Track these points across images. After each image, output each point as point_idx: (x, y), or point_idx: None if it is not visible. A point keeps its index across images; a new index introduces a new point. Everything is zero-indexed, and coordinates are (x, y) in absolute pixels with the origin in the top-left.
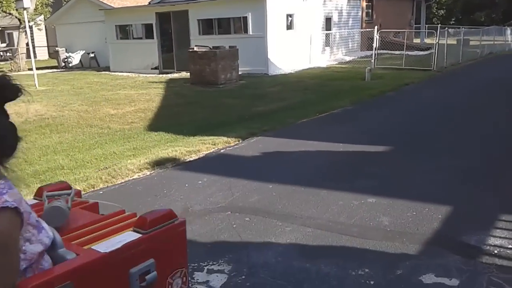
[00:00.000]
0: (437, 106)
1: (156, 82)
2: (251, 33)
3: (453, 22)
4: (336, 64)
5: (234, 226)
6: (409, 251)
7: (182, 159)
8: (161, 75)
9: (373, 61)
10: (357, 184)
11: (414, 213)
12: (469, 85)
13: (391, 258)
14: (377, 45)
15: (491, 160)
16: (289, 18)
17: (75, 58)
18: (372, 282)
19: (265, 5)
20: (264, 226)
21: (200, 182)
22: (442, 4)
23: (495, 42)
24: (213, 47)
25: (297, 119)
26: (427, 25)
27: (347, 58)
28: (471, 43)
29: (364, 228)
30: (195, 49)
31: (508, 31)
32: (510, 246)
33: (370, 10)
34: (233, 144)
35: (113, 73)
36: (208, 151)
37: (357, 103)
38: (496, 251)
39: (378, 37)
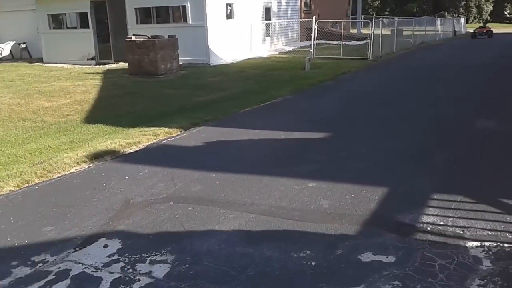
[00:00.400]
0: (372, 93)
1: (92, 73)
2: (190, 22)
3: (388, 12)
4: (277, 54)
5: (177, 216)
6: (348, 232)
7: (122, 151)
8: (98, 66)
9: (312, 51)
10: (298, 170)
11: (353, 195)
12: (403, 72)
13: (331, 239)
14: (316, 35)
15: (422, 141)
16: (229, 8)
17: (5, 50)
18: (313, 263)
19: None
20: (207, 214)
21: (141, 173)
22: None
23: (427, 32)
24: (151, 36)
25: (239, 108)
26: (363, 16)
27: (287, 48)
28: (405, 33)
29: (305, 211)
30: (132, 39)
31: (438, 22)
32: (441, 223)
33: (308, 1)
34: (175, 135)
35: (46, 65)
36: (149, 142)
37: (297, 92)
38: (428, 228)
39: (316, 27)
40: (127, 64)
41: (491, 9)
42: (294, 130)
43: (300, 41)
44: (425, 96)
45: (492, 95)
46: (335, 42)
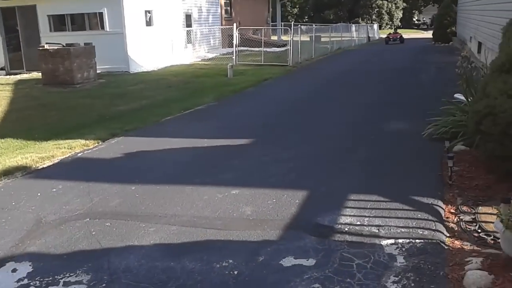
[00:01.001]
0: (292, 99)
1: (2, 84)
2: (108, 30)
3: (306, 19)
4: (199, 61)
5: (94, 233)
6: (270, 237)
7: (34, 166)
8: (8, 76)
9: (234, 57)
10: (221, 178)
11: (274, 200)
12: (321, 78)
13: (253, 246)
14: (237, 42)
15: (340, 144)
16: (148, 14)
17: None
18: (235, 272)
19: (121, 1)
20: (126, 229)
21: (54, 190)
22: (295, 3)
23: (343, 38)
24: (66, 44)
25: (161, 117)
26: (282, 23)
27: (210, 55)
28: (322, 39)
29: (228, 219)
30: (46, 47)
31: (353, 28)
32: (358, 223)
33: (228, 8)
34: (92, 147)
35: None
36: (64, 156)
37: (220, 99)
38: (346, 229)
39: (237, 35)
40: (40, 74)
41: (401, 16)
42: (218, 137)
43: (222, 48)
44: (342, 100)
45: (404, 98)
46: (256, 49)
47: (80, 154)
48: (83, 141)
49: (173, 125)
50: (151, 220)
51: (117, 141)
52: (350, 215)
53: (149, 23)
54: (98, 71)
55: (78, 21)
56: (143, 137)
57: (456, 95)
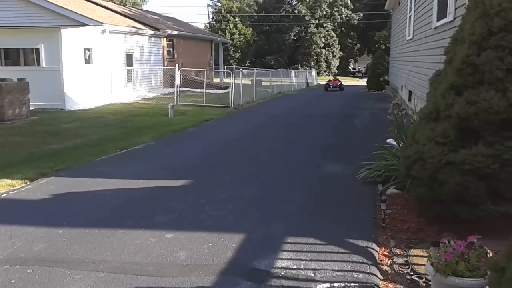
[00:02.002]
0: (233, 140)
1: None
2: (44, 66)
3: (248, 64)
4: (139, 100)
5: (13, 281)
6: (204, 284)
7: None
8: None
9: (176, 98)
10: (155, 221)
11: (210, 244)
12: (261, 120)
13: None
14: (179, 83)
15: (278, 186)
16: (88, 52)
17: None
18: None
19: (59, 38)
20: (49, 277)
21: None
22: (237, 47)
23: (283, 83)
24: None
25: (96, 156)
26: (225, 66)
27: (151, 95)
28: (263, 83)
29: (161, 265)
30: None
31: (293, 73)
32: (294, 267)
33: (171, 49)
34: (18, 187)
35: None
36: None
37: (159, 139)
38: (283, 273)
39: (179, 75)
40: None
41: (338, 64)
42: (154, 178)
43: (164, 88)
44: (281, 142)
45: (340, 141)
46: (198, 90)
47: (4, 195)
48: (9, 181)
49: (107, 165)
50: (78, 267)
51: (46, 181)
52: (286, 259)
53: (88, 60)
54: (32, 108)
55: (12, 56)
56: (75, 178)
57: (388, 140)
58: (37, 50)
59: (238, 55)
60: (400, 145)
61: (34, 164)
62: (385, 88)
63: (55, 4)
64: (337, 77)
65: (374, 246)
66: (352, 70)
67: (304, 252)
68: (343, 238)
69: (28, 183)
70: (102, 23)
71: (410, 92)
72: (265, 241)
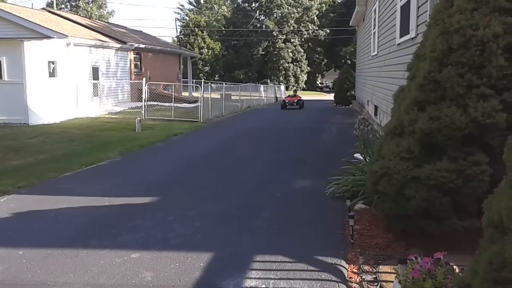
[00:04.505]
0: (201, 154)
1: None
2: (6, 79)
3: (217, 78)
4: (106, 114)
5: None
6: None
7: None
8: None
9: (143, 112)
10: (121, 240)
11: (177, 264)
12: (231, 135)
13: None
14: (147, 97)
15: (247, 203)
16: (52, 65)
17: None
18: None
19: (22, 50)
20: None
21: None
22: (206, 61)
23: (252, 97)
24: None
25: (60, 173)
26: (194, 80)
27: (117, 109)
28: (232, 97)
29: (126, 287)
30: None
31: (262, 88)
32: (263, 286)
33: (138, 63)
34: None
35: None
36: None
37: (126, 154)
38: None
39: (147, 89)
40: None
41: (306, 79)
42: (120, 196)
43: (131, 102)
44: (249, 157)
45: (308, 156)
46: (167, 104)
47: None
48: None
49: (72, 182)
50: None
51: (7, 199)
52: (255, 278)
53: (52, 74)
54: None
55: None
56: (37, 195)
57: (355, 155)
58: None
59: (207, 69)
60: (367, 160)
61: None
62: (352, 103)
63: (18, 16)
64: (297, 93)
65: (343, 263)
66: (319, 85)
67: (273, 270)
68: (312, 256)
69: None
70: (67, 35)
71: (376, 107)
72: (233, 260)
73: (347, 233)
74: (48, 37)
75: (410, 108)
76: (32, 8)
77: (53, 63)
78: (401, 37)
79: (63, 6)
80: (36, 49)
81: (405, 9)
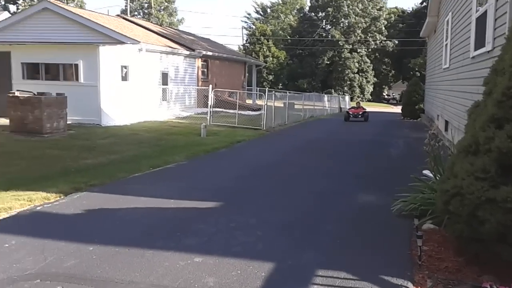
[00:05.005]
0: (263, 163)
1: None
2: (82, 81)
3: (281, 86)
4: (174, 118)
5: None
6: None
7: None
8: None
9: (208, 118)
10: (184, 243)
11: (239, 271)
12: (294, 144)
13: None
14: (212, 103)
15: (311, 214)
16: (124, 69)
17: None
18: None
19: (97, 54)
20: None
21: (6, 245)
22: (271, 70)
23: (315, 107)
24: (38, 93)
25: (129, 173)
26: (258, 88)
27: (184, 114)
28: (296, 106)
29: None
30: (16, 94)
31: (326, 98)
32: None
33: (205, 70)
34: (52, 201)
35: None
36: (22, 209)
37: (191, 159)
38: None
39: (213, 96)
40: (8, 120)
41: (372, 90)
42: (185, 199)
43: (197, 107)
44: (313, 168)
45: (373, 170)
46: (231, 111)
47: (39, 208)
48: (44, 194)
49: (140, 183)
50: (106, 286)
51: (80, 196)
52: None
53: (124, 78)
54: (69, 122)
55: (52, 71)
56: (108, 194)
57: (424, 172)
58: (76, 66)
59: (271, 78)
60: (437, 177)
61: (69, 178)
62: (420, 116)
63: (96, 23)
64: (361, 104)
65: (410, 285)
66: (386, 96)
67: (335, 286)
68: (377, 275)
69: (62, 197)
70: (139, 41)
71: (446, 122)
72: (295, 272)
73: (414, 253)
74: (122, 43)
75: (487, 125)
76: (108, 15)
77: (125, 67)
78: (475, 50)
79: (136, 13)
80: (110, 53)
81: (481, 21)
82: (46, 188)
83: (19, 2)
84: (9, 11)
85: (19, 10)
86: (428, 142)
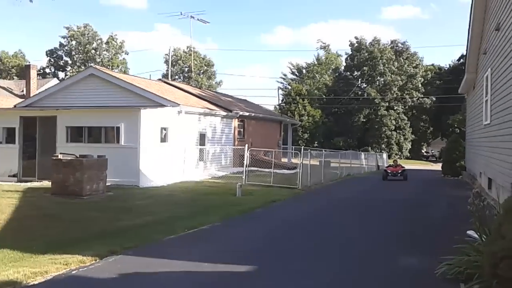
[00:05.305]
0: (299, 224)
1: (11, 191)
2: (123, 144)
3: (317, 145)
4: (209, 178)
5: None
6: None
7: (25, 282)
8: (19, 183)
9: (244, 177)
10: None
11: None
12: (330, 203)
13: None
14: (248, 162)
15: (347, 281)
16: (164, 131)
17: None
18: None
19: (139, 117)
20: None
21: None
22: (306, 128)
23: (352, 165)
24: (80, 155)
25: (164, 235)
26: (293, 147)
27: (220, 173)
28: (332, 164)
29: None
30: (59, 157)
31: (363, 156)
32: None
33: (242, 129)
34: (88, 264)
35: None
36: (58, 272)
37: (227, 219)
38: None
39: (248, 155)
40: (51, 183)
41: (410, 147)
42: (219, 262)
43: (233, 167)
44: (352, 229)
45: (415, 231)
46: (266, 170)
47: (74, 272)
48: (80, 257)
49: (175, 245)
50: None
51: (115, 260)
52: None
53: (164, 139)
54: (108, 184)
55: (94, 134)
56: (142, 257)
57: (468, 232)
58: (118, 128)
59: (306, 136)
60: (483, 239)
61: (105, 240)
62: (461, 174)
63: (138, 87)
64: (399, 163)
65: None
66: (425, 153)
67: None
68: None
69: (97, 260)
70: (179, 104)
71: (490, 180)
72: None
73: None
74: (162, 106)
75: None
76: (149, 79)
77: (165, 129)
78: None
79: (176, 77)
80: (151, 116)
81: None
82: (83, 251)
83: (68, 69)
84: (58, 78)
85: (67, 76)
86: (472, 201)
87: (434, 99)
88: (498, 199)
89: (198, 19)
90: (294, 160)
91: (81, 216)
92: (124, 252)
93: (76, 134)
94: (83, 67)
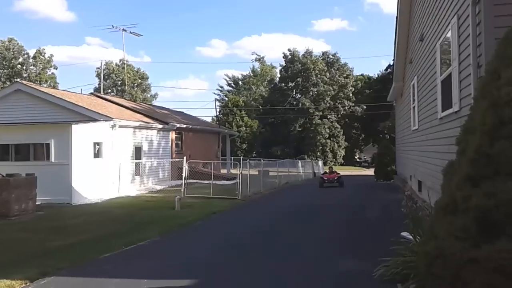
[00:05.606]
0: (240, 234)
1: None
2: (53, 160)
3: (255, 154)
4: (147, 193)
5: None
6: None
7: None
8: None
9: (183, 190)
10: None
11: None
12: (269, 211)
13: None
14: (186, 175)
15: (289, 286)
16: (97, 146)
17: None
18: None
19: (70, 133)
20: None
21: None
22: (244, 139)
23: (290, 173)
24: (6, 174)
25: (100, 253)
26: (232, 157)
27: (158, 187)
28: (270, 173)
29: None
30: None
31: (300, 164)
32: None
33: (179, 142)
34: None
35: None
36: None
37: (166, 234)
38: None
39: (187, 167)
40: None
41: (344, 154)
42: (160, 278)
43: (172, 180)
44: (292, 236)
45: (352, 235)
46: (206, 182)
47: None
48: (8, 282)
49: (112, 263)
50: None
51: (47, 282)
52: None
53: (97, 154)
54: (38, 203)
55: (23, 151)
56: (76, 277)
57: (403, 234)
58: (47, 145)
59: (244, 146)
60: (417, 239)
61: (36, 262)
62: (393, 178)
63: (68, 101)
64: (334, 169)
65: None
66: (358, 160)
67: None
68: None
69: (28, 284)
70: (112, 118)
71: (419, 182)
72: None
73: None
74: (95, 120)
75: (463, 184)
76: (81, 94)
77: (98, 144)
78: (443, 111)
79: (109, 90)
80: (82, 131)
81: (446, 83)
82: (11, 275)
83: None
84: None
85: None
86: (406, 204)
87: (364, 107)
88: (429, 201)
89: (130, 32)
90: (233, 171)
91: (9, 237)
92: (58, 273)
93: (2, 152)
94: (8, 82)
